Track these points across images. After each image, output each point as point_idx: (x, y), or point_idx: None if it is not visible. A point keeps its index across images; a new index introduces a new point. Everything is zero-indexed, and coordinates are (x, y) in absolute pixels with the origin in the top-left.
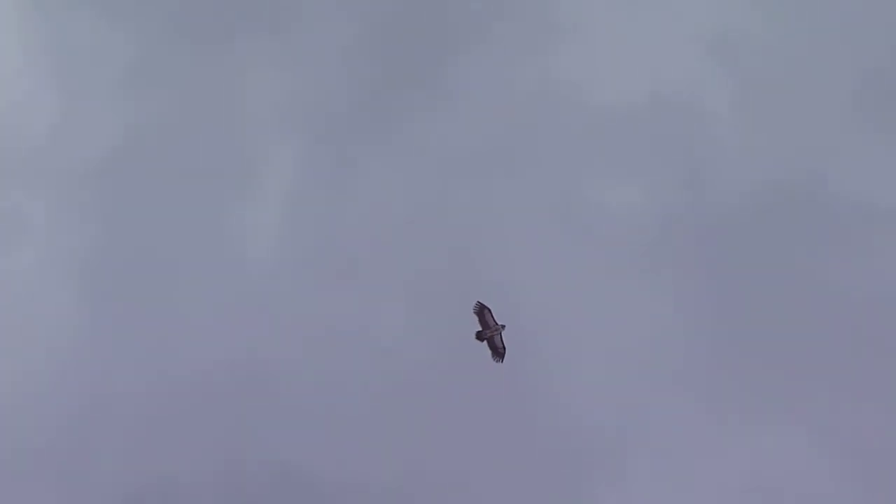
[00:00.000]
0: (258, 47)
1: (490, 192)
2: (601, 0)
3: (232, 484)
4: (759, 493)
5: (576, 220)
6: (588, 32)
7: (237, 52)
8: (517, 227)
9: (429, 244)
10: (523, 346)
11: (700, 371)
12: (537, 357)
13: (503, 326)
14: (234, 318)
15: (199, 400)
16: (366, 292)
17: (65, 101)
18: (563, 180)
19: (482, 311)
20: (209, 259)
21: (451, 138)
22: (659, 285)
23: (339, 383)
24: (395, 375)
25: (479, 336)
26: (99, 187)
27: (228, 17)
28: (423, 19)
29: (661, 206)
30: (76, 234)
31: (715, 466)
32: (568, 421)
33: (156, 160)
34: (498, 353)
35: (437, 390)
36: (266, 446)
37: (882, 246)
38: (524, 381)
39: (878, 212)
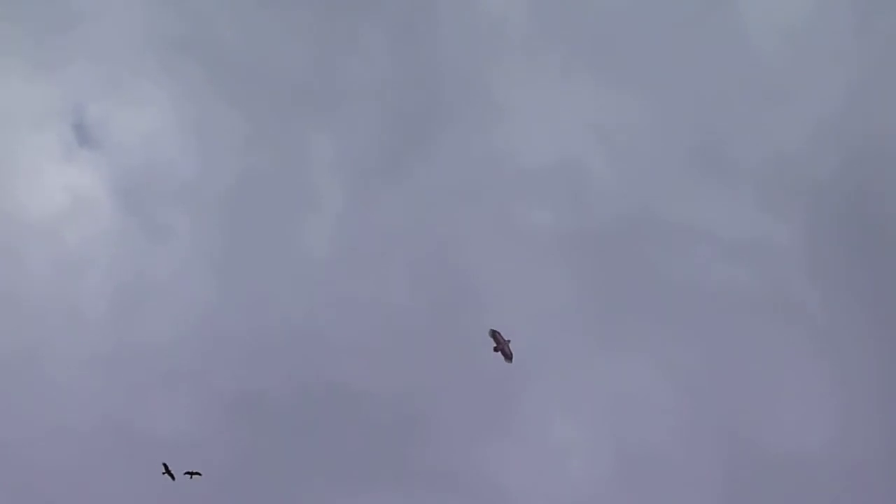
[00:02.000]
0: (317, 120)
1: (461, 212)
2: (525, 93)
3: (299, 395)
4: (619, 398)
5: (512, 231)
6: (517, 115)
7: (304, 122)
8: (476, 232)
9: (426, 244)
10: (477, 307)
11: (586, 323)
12: (487, 314)
13: (509, 341)
14: (300, 288)
15: (279, 339)
16: (384, 274)
17: (202, 154)
18: (503, 206)
19: (494, 335)
20: (289, 251)
21: (438, 179)
22: (563, 269)
23: (368, 329)
24: (402, 324)
25: (495, 349)
26: (224, 208)
27: (300, 105)
28: (420, 105)
29: (564, 224)
30: (209, 238)
31: (592, 379)
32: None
33: (258, 191)
34: (507, 357)
35: (425, 333)
36: (322, 370)
37: (696, 251)
38: (481, 334)
39: (696, 230)
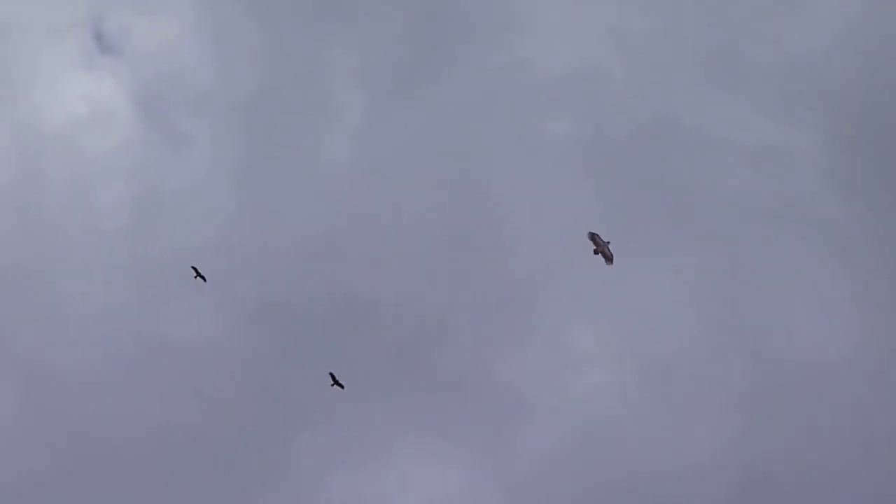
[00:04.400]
0: (337, 31)
1: (479, 122)
2: (544, 2)
3: (319, 304)
4: (637, 307)
5: (530, 141)
6: (535, 27)
7: (324, 33)
8: (494, 142)
9: (444, 155)
10: (495, 217)
11: (605, 232)
12: (509, 227)
13: (608, 242)
14: (319, 197)
15: (299, 249)
16: (403, 185)
17: (222, 63)
18: (522, 116)
19: (593, 237)
20: (308, 161)
21: (456, 90)
22: (581, 178)
23: (387, 239)
24: (421, 234)
25: (595, 252)
26: (243, 117)
27: (320, 16)
28: (439, 15)
29: (582, 133)
30: (228, 147)
31: (611, 289)
32: (520, 264)
33: (277, 101)
34: (608, 259)
35: (444, 243)
36: (341, 279)
37: (715, 158)
38: (499, 244)
39: (715, 138)
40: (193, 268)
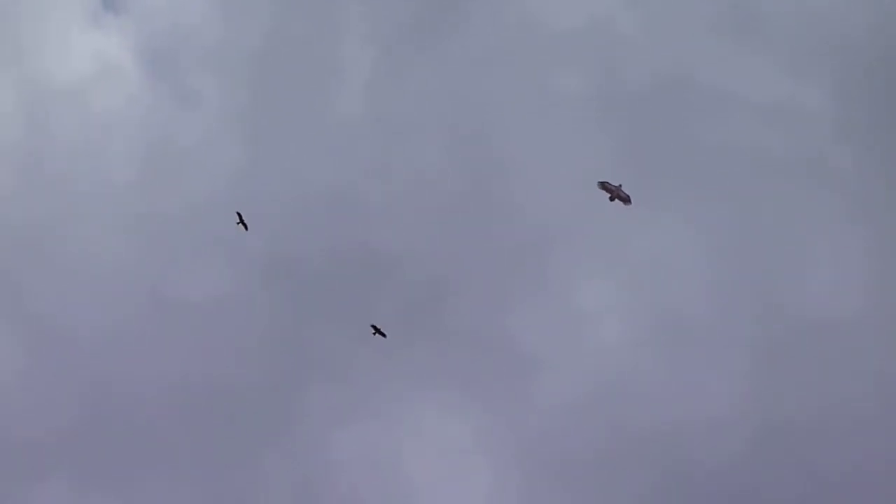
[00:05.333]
0: None
1: (491, 76)
2: None
3: (331, 260)
4: (649, 263)
5: (542, 95)
6: None
7: None
8: (507, 97)
9: (457, 109)
10: (507, 171)
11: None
12: (521, 181)
13: (620, 185)
14: (330, 152)
15: (311, 203)
16: (416, 139)
17: (229, 18)
18: (534, 70)
19: (604, 185)
20: (319, 116)
21: (469, 44)
22: (594, 133)
23: (398, 193)
24: (433, 188)
25: (611, 199)
26: (252, 72)
27: None
28: None
29: (595, 88)
30: (237, 102)
31: (623, 244)
32: (533, 218)
33: (287, 55)
34: (626, 201)
35: (456, 197)
36: (352, 233)
37: (728, 114)
38: (511, 198)
39: (727, 93)
40: (238, 213)
